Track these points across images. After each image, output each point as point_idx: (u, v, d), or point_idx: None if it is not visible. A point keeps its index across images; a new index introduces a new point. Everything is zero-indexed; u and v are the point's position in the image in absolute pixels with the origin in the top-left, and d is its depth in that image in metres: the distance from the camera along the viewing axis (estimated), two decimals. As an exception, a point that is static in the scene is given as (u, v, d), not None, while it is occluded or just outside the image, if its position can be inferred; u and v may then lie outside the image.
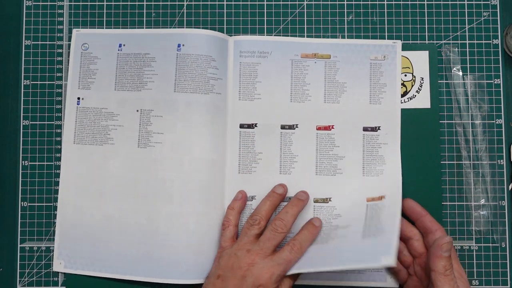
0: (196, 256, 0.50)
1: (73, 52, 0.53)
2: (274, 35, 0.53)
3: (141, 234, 0.50)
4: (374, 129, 0.52)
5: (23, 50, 0.54)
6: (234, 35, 0.53)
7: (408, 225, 0.48)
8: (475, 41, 0.53)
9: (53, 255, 0.52)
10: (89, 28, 0.54)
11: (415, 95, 0.52)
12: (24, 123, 0.53)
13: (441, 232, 0.46)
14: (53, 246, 0.52)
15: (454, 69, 0.53)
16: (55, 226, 0.52)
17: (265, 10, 0.54)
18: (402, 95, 0.52)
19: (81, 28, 0.54)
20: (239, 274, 0.45)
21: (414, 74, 0.53)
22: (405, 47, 0.53)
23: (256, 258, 0.45)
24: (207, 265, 0.50)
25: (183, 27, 0.54)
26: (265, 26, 0.54)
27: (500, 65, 0.53)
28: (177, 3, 0.54)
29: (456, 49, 0.53)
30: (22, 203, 0.52)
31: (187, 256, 0.50)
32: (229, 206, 0.50)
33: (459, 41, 0.53)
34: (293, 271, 0.46)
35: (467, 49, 0.53)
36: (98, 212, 0.51)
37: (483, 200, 0.52)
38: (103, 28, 0.54)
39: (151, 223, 0.50)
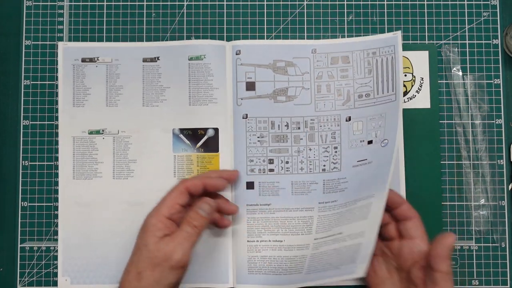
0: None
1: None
2: (275, 35, 0.54)
3: None
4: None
5: (23, 50, 0.54)
6: (233, 40, 0.53)
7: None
8: (475, 41, 0.53)
9: (52, 256, 0.52)
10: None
11: (415, 95, 0.52)
12: (24, 123, 0.53)
13: (417, 220, 0.45)
14: (53, 246, 0.52)
15: (454, 69, 0.53)
16: (55, 226, 0.52)
17: (265, 10, 0.54)
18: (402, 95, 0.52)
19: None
20: None
21: (414, 74, 0.53)
22: (405, 47, 0.52)
23: None
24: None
25: (183, 26, 0.54)
26: (265, 26, 0.54)
27: (500, 65, 0.53)
28: (177, 3, 0.54)
29: (456, 49, 0.53)
30: (22, 203, 0.52)
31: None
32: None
33: (459, 41, 0.53)
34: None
35: (467, 49, 0.53)
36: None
37: (483, 200, 0.52)
38: (103, 27, 0.54)
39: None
